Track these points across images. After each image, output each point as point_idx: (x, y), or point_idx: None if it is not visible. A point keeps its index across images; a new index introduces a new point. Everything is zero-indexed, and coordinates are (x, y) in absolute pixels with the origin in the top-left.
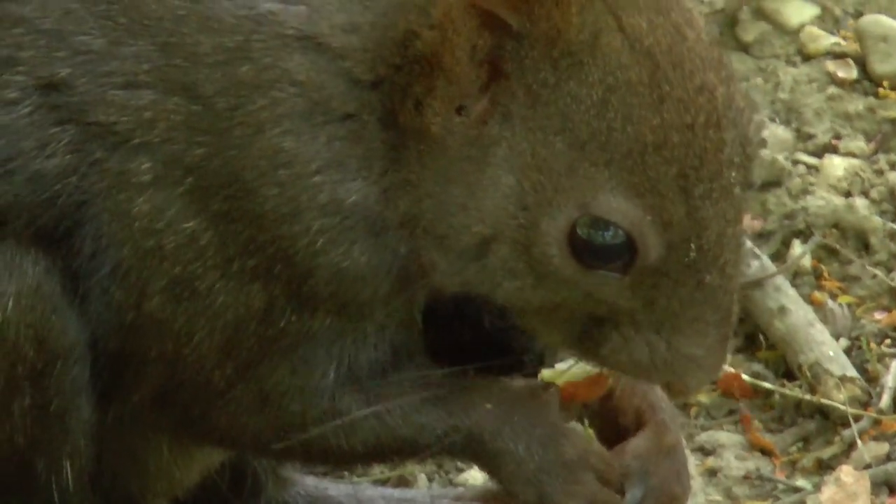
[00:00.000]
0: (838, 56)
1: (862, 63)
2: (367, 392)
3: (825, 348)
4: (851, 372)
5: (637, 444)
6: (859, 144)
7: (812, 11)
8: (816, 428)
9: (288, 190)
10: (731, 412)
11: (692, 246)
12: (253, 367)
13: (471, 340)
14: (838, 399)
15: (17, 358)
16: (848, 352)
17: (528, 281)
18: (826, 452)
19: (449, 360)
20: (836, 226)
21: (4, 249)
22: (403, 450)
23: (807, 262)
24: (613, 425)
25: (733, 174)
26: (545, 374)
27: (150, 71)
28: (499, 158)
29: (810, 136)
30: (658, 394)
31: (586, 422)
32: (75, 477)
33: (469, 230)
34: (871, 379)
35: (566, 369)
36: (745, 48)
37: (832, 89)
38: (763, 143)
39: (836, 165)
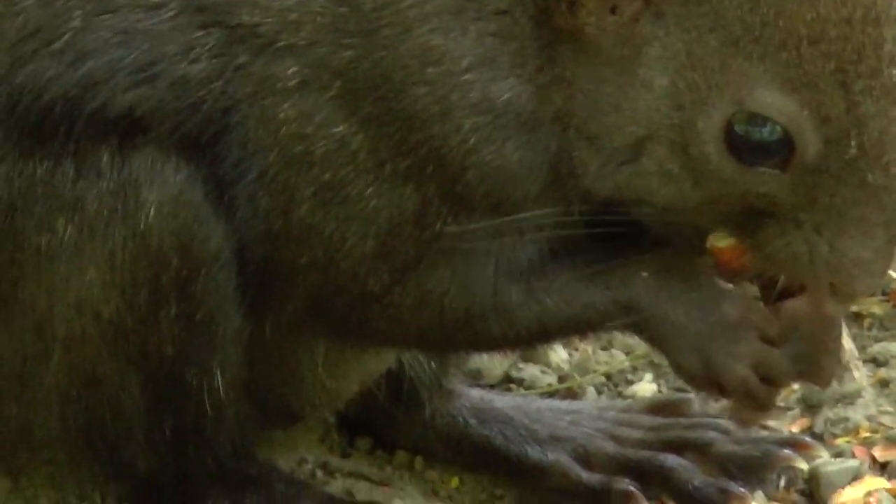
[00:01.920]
0: None
1: None
2: (526, 281)
3: None
4: None
5: (793, 305)
6: None
7: None
8: None
9: (438, 89)
10: None
11: (852, 142)
12: (410, 271)
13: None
14: None
15: (162, 267)
16: None
17: (685, 182)
18: None
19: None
20: None
21: (146, 156)
22: (566, 329)
23: None
24: (775, 286)
25: (895, 72)
26: (711, 238)
27: None
28: (652, 58)
29: None
30: None
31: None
32: (227, 387)
33: (623, 130)
34: None
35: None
36: None
37: None
38: None
39: None
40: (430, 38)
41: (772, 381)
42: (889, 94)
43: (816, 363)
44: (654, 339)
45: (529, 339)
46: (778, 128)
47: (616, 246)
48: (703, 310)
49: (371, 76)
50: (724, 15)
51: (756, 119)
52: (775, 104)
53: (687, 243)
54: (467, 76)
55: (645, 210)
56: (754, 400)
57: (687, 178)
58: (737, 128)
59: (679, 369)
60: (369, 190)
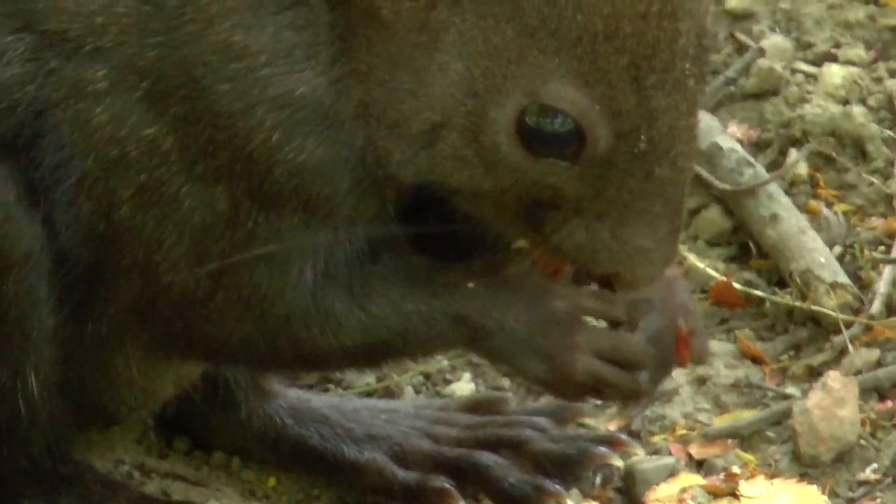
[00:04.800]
0: None
1: None
2: (349, 286)
3: (817, 255)
4: (843, 278)
5: None
6: (859, 53)
7: None
8: (808, 336)
9: (239, 84)
10: (722, 321)
11: (642, 137)
12: (228, 273)
13: (452, 233)
14: (829, 306)
15: None
16: (841, 259)
17: (477, 169)
18: (817, 359)
19: (433, 254)
20: (833, 134)
21: None
22: (393, 343)
23: (803, 170)
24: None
25: (687, 66)
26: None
27: None
28: (448, 44)
29: (810, 45)
30: None
31: None
32: (41, 387)
33: (418, 117)
34: (865, 286)
35: None
36: None
37: None
38: (761, 52)
39: (835, 74)
40: (231, 33)
41: (630, 365)
42: (681, 87)
43: (684, 319)
44: (493, 353)
45: (357, 352)
46: (569, 121)
47: (435, 249)
48: (530, 309)
49: (176, 74)
50: (521, 5)
51: (548, 111)
52: (568, 98)
53: (500, 248)
54: (265, 71)
55: (448, 196)
56: (618, 388)
57: (478, 164)
58: (528, 119)
59: (530, 378)
60: (183, 190)
